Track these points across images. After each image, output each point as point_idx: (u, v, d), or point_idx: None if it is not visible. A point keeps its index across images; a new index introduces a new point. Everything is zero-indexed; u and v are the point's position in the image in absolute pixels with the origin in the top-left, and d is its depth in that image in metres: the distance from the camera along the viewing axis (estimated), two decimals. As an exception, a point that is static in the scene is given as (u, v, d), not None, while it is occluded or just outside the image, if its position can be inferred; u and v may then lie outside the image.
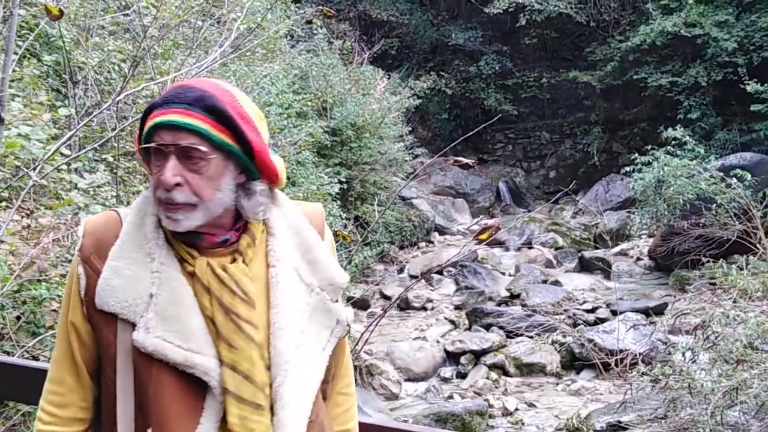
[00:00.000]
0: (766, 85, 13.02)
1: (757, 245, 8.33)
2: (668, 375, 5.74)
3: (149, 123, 1.44)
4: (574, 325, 8.91)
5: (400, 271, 12.25)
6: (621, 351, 7.56)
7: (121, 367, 1.46)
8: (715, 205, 9.47)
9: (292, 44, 12.18)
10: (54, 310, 3.92)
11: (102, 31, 6.28)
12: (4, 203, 4.28)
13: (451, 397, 7.41)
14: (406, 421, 6.37)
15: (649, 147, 11.29)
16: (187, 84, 1.48)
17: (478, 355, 8.18)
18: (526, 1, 16.64)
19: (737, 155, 12.33)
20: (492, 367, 7.96)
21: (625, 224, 13.21)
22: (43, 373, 2.12)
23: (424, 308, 10.33)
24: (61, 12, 3.31)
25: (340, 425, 1.68)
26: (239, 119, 1.44)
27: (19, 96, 4.58)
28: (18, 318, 3.74)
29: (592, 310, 9.47)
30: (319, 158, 10.75)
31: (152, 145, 1.43)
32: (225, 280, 1.44)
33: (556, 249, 13.04)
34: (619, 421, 6.13)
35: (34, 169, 3.68)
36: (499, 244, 13.33)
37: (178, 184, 1.42)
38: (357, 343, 4.70)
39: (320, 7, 10.60)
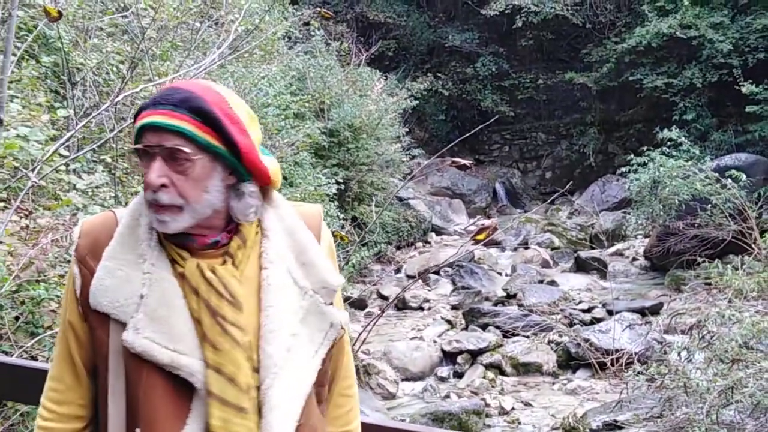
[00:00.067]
0: (761, 86, 13.08)
1: (752, 245, 8.36)
2: (664, 374, 5.76)
3: (137, 124, 1.45)
4: (571, 324, 8.94)
5: (398, 271, 12.27)
6: (617, 350, 7.58)
7: (113, 367, 1.47)
8: (710, 205, 9.50)
9: (289, 46, 12.21)
10: (52, 311, 3.93)
11: (100, 32, 6.29)
12: (2, 204, 4.29)
13: (448, 396, 7.43)
14: (403, 421, 6.39)
15: (645, 148, 11.32)
16: (175, 85, 1.48)
17: (474, 355, 8.20)
18: (523, 2, 16.69)
19: (732, 156, 12.38)
20: (489, 366, 7.98)
21: (620, 224, 13.25)
22: (41, 373, 2.14)
23: (421, 308, 10.35)
24: (60, 13, 3.33)
25: (341, 426, 1.68)
26: (226, 120, 1.43)
27: (17, 97, 4.59)
28: (16, 318, 3.75)
29: (588, 310, 9.50)
30: (317, 159, 10.77)
31: (139, 146, 1.44)
32: (213, 282, 1.44)
33: (553, 249, 13.07)
34: (615, 420, 6.15)
35: (33, 170, 3.70)
36: (496, 244, 13.36)
37: (163, 186, 1.42)
38: (354, 343, 4.72)
39: (318, 9, 10.63)
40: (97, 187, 4.77)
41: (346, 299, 7.33)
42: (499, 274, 11.89)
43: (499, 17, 17.50)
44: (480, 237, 3.68)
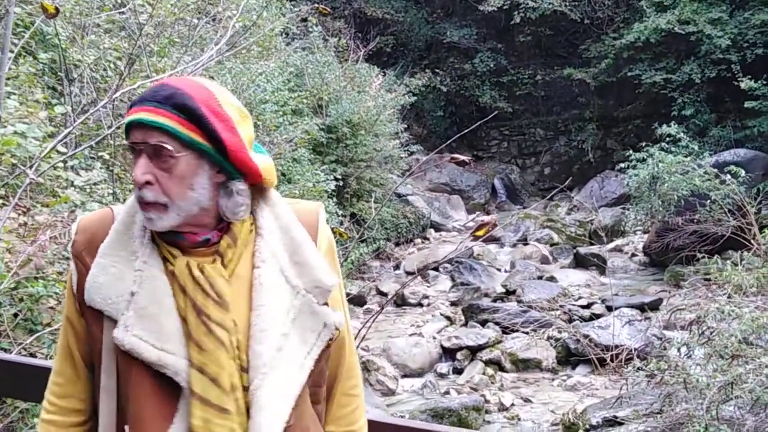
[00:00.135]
0: (759, 81, 13.07)
1: (752, 241, 8.35)
2: (663, 370, 5.76)
3: (124, 121, 1.45)
4: (570, 320, 8.94)
5: (396, 267, 12.27)
6: (616, 346, 7.58)
7: (105, 364, 1.48)
8: (709, 201, 9.49)
9: (287, 42, 12.20)
10: (51, 308, 3.92)
11: (98, 28, 6.27)
12: (0, 201, 4.28)
13: (447, 392, 7.43)
14: (402, 417, 6.39)
15: (644, 144, 11.32)
16: (163, 82, 1.47)
17: (474, 351, 8.20)
18: (521, -2, 16.69)
19: (731, 152, 12.40)
20: (488, 362, 7.98)
21: (619, 220, 13.26)
22: (40, 370, 2.13)
23: (420, 304, 10.35)
24: (57, 10, 3.31)
25: (346, 426, 1.66)
26: (212, 117, 1.42)
27: (15, 94, 4.58)
28: (15, 315, 3.75)
29: (588, 306, 9.51)
30: (315, 155, 10.76)
31: (125, 143, 1.45)
32: (200, 280, 1.43)
33: (552, 245, 13.08)
34: (615, 416, 6.15)
35: (31, 166, 3.69)
36: (495, 240, 13.35)
37: (148, 183, 1.41)
38: (354, 339, 4.71)
39: (315, 5, 10.59)
40: (95, 184, 4.76)
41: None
42: (498, 270, 11.89)
43: (497, 13, 17.49)
44: (479, 233, 3.67)
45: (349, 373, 1.67)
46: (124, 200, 1.48)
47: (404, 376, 7.85)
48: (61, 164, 4.40)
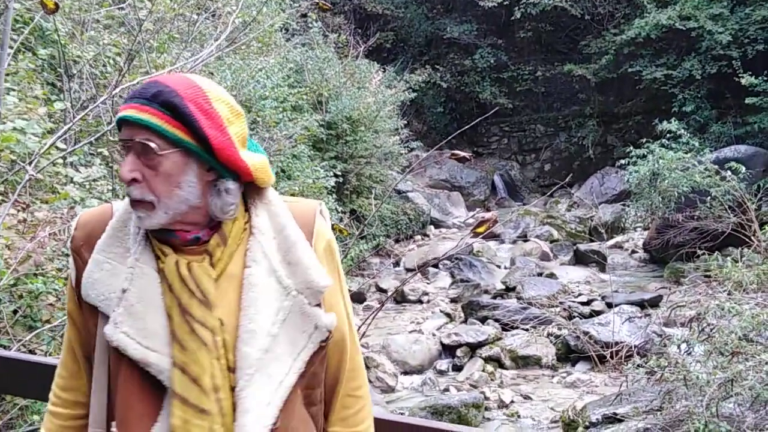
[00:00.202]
0: (760, 78, 13.06)
1: (752, 237, 8.35)
2: (663, 367, 5.75)
3: (115, 119, 1.45)
4: (570, 317, 8.93)
5: (396, 264, 12.26)
6: (616, 343, 7.58)
7: (98, 360, 1.49)
8: (709, 197, 9.49)
9: (287, 38, 12.18)
10: (50, 304, 3.92)
11: (97, 24, 6.26)
12: (0, 197, 4.28)
13: (447, 389, 7.42)
14: (402, 414, 6.39)
15: (644, 140, 11.30)
16: (154, 79, 1.46)
17: (473, 348, 8.20)
18: (521, -6, 16.67)
19: (732, 148, 12.38)
20: (488, 359, 7.98)
21: (620, 217, 13.25)
22: (39, 366, 2.13)
23: (420, 301, 10.35)
24: (57, 6, 3.30)
25: (350, 427, 1.64)
26: (198, 114, 1.40)
27: (14, 90, 4.58)
28: (15, 312, 3.75)
29: (588, 303, 9.50)
30: (315, 152, 10.75)
31: (115, 140, 1.45)
32: (186, 279, 1.42)
33: (552, 242, 13.08)
34: (615, 413, 6.14)
35: (30, 163, 3.68)
36: (495, 237, 13.35)
37: (134, 180, 1.40)
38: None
39: (315, 1, 10.58)
40: (94, 180, 4.76)
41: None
42: (498, 266, 11.88)
43: (497, 8, 17.47)
44: (480, 230, 3.66)
45: (352, 374, 1.64)
46: (124, 197, 1.47)
47: (404, 373, 7.85)
48: (60, 160, 4.39)
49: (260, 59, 9.12)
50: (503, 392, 7.24)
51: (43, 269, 3.86)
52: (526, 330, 8.44)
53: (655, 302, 9.03)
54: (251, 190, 1.52)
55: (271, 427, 1.43)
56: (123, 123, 1.41)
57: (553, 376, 7.74)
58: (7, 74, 4.34)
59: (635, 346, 7.28)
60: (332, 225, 1.71)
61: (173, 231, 1.46)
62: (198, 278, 1.43)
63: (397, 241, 13.22)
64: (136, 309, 1.43)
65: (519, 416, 6.84)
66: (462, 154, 3.77)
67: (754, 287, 6.25)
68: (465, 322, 9.14)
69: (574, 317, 8.92)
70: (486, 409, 6.89)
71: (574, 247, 12.36)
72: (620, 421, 5.98)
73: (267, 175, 1.51)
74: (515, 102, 18.83)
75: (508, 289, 10.28)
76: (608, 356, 7.48)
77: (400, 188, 14.13)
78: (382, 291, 10.63)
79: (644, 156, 10.95)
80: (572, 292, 9.97)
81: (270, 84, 8.89)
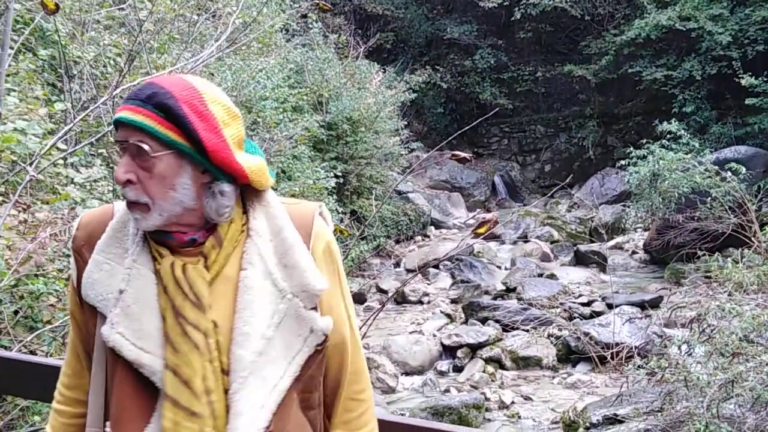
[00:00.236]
0: (760, 78, 13.06)
1: (752, 238, 8.34)
2: (664, 368, 5.74)
3: (113, 120, 1.46)
4: (570, 318, 8.93)
5: (397, 265, 12.26)
6: (617, 344, 7.57)
7: (96, 360, 1.50)
8: (710, 198, 9.49)
9: (287, 38, 12.19)
10: (51, 305, 3.92)
11: (97, 25, 6.26)
12: (0, 198, 4.28)
13: (447, 390, 7.42)
14: (403, 415, 6.38)
15: (644, 141, 11.31)
16: (150, 81, 1.46)
17: (474, 349, 8.19)
18: (521, -6, 16.67)
19: (732, 149, 12.38)
20: (488, 360, 7.98)
21: (620, 218, 13.25)
22: (40, 367, 2.13)
23: (421, 302, 10.34)
24: (57, 6, 3.30)
25: (353, 430, 1.63)
26: (192, 116, 1.39)
27: (15, 90, 4.58)
28: (15, 312, 3.75)
29: (588, 304, 9.50)
30: (315, 152, 10.75)
31: (112, 141, 1.46)
32: (180, 281, 1.42)
33: (552, 243, 13.07)
34: (616, 414, 6.14)
35: (31, 163, 3.68)
36: (495, 237, 13.35)
37: (129, 181, 1.40)
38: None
39: (316, 1, 10.58)
40: (95, 181, 4.76)
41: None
42: (499, 267, 11.88)
43: (497, 9, 17.47)
44: (481, 231, 3.65)
45: (354, 377, 1.62)
46: (125, 197, 1.47)
47: (404, 373, 7.85)
48: (61, 161, 4.39)
49: (260, 60, 9.13)
50: (504, 393, 7.23)
51: (44, 270, 3.86)
52: (527, 331, 8.44)
53: (655, 303, 9.03)
54: (249, 192, 1.51)
55: (264, 430, 1.42)
56: (118, 124, 1.41)
57: (553, 377, 7.74)
58: (8, 75, 4.34)
59: (636, 347, 7.28)
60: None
61: (170, 232, 1.46)
62: (192, 280, 1.43)
63: (397, 241, 13.23)
64: (132, 310, 1.43)
65: (519, 417, 6.84)
66: (462, 154, 3.77)
67: (755, 288, 6.25)
68: (465, 322, 9.14)
69: (575, 318, 8.92)
70: (487, 410, 6.89)
71: (575, 248, 12.36)
72: (621, 422, 5.98)
73: (264, 177, 1.50)
74: (515, 103, 18.83)
75: (509, 290, 10.28)
76: (609, 357, 7.48)
77: (401, 189, 14.13)
78: (383, 292, 10.63)
79: (644, 157, 10.96)
80: (573, 293, 9.97)
81: (270, 85, 8.89)
